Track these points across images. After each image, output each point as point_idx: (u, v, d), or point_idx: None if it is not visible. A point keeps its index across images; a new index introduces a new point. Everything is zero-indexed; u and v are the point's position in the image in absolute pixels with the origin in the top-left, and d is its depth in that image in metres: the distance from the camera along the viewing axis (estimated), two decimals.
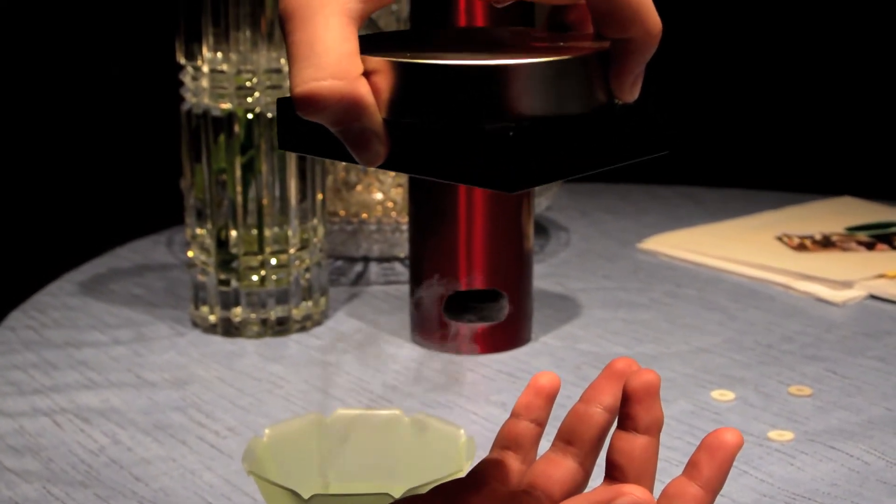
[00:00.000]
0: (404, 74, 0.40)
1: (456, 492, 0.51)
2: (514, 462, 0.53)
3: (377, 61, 0.41)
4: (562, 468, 0.51)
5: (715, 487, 0.47)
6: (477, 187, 0.40)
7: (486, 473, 0.52)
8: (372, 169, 0.77)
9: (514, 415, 0.54)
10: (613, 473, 0.49)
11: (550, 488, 0.51)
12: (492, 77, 0.40)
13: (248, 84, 0.88)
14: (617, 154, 0.43)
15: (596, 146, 0.42)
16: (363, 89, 0.39)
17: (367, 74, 0.40)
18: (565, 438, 0.52)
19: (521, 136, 0.39)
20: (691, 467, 0.47)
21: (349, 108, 0.39)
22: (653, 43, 0.42)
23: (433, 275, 0.79)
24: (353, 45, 0.39)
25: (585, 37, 0.45)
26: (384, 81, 0.41)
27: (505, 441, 0.54)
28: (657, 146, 0.45)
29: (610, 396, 0.51)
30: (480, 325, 0.76)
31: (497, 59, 0.40)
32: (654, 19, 0.41)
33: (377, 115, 0.40)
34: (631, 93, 0.43)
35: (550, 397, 0.54)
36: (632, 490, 0.41)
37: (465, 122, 0.40)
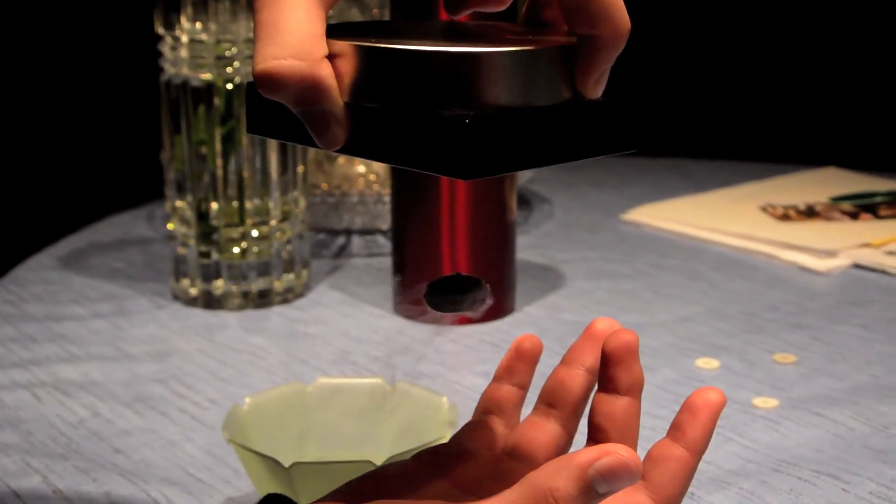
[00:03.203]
0: (367, 58, 0.40)
1: (439, 457, 0.51)
2: (497, 426, 0.52)
3: (341, 45, 0.41)
4: (545, 431, 0.51)
5: (700, 448, 0.46)
6: (433, 174, 0.40)
7: (468, 438, 0.52)
8: None
9: (497, 378, 0.54)
10: (596, 435, 0.48)
11: (534, 451, 0.50)
12: (453, 64, 0.40)
13: (227, 54, 0.87)
14: (581, 149, 0.43)
15: (558, 140, 0.42)
16: (325, 71, 0.39)
17: (331, 58, 0.40)
18: (547, 401, 0.51)
19: (477, 123, 0.39)
20: (675, 429, 0.47)
21: (309, 89, 0.39)
22: (620, 42, 0.42)
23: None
24: (318, 27, 0.39)
25: (559, 33, 0.45)
26: (347, 65, 0.41)
27: (487, 405, 0.53)
28: (624, 143, 0.44)
29: (591, 358, 0.51)
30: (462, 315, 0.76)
31: (461, 46, 0.40)
32: (622, 18, 0.41)
33: (338, 99, 0.40)
34: (594, 90, 0.43)
35: (533, 361, 0.54)
36: (616, 449, 0.40)
37: (424, 109, 0.40)
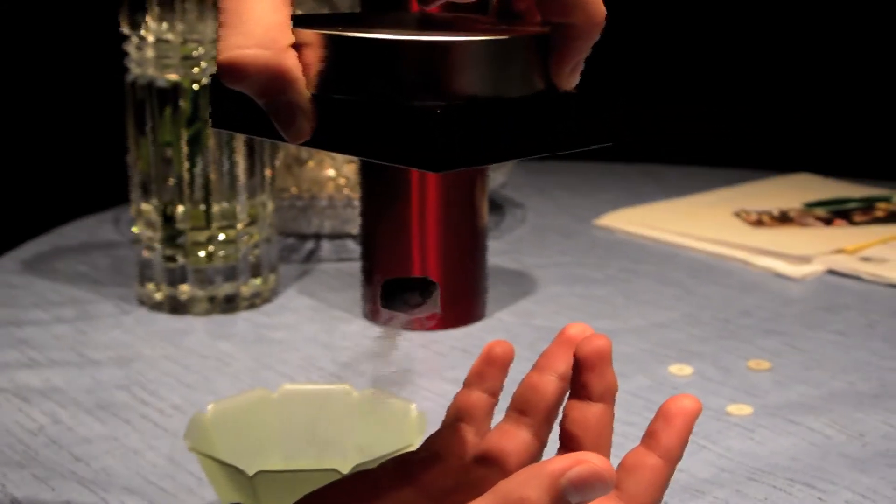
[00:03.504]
0: (335, 48, 0.39)
1: (408, 465, 0.49)
2: (467, 433, 0.51)
3: (308, 34, 0.39)
4: (516, 439, 0.50)
5: (674, 456, 0.45)
6: (403, 166, 0.39)
7: (438, 445, 0.51)
8: None
9: (467, 385, 0.53)
10: (568, 443, 0.47)
11: (504, 459, 0.49)
12: (424, 53, 0.38)
13: (194, 54, 0.85)
14: (555, 141, 0.42)
15: (533, 131, 0.41)
16: (290, 61, 0.38)
17: (297, 48, 0.39)
18: (519, 408, 0.50)
19: (449, 114, 0.38)
20: (649, 437, 0.46)
21: (274, 79, 0.38)
22: (595, 31, 0.41)
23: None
24: (284, 16, 0.38)
25: (533, 24, 0.43)
26: (314, 55, 0.39)
27: (458, 412, 0.52)
28: (598, 137, 0.43)
29: (563, 364, 0.50)
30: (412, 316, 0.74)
31: (432, 35, 0.39)
32: (597, 6, 0.40)
33: (303, 89, 0.39)
34: (569, 80, 0.42)
35: (504, 366, 0.53)
36: (589, 457, 0.39)
37: (393, 99, 0.38)
